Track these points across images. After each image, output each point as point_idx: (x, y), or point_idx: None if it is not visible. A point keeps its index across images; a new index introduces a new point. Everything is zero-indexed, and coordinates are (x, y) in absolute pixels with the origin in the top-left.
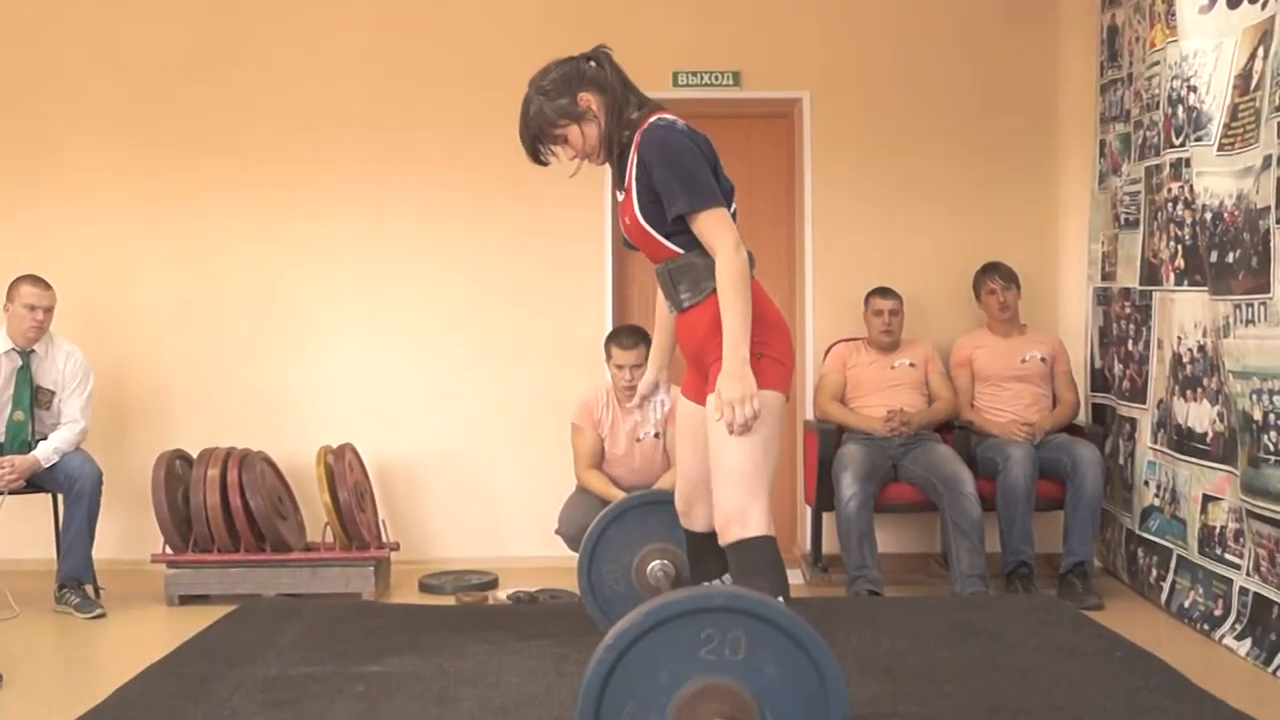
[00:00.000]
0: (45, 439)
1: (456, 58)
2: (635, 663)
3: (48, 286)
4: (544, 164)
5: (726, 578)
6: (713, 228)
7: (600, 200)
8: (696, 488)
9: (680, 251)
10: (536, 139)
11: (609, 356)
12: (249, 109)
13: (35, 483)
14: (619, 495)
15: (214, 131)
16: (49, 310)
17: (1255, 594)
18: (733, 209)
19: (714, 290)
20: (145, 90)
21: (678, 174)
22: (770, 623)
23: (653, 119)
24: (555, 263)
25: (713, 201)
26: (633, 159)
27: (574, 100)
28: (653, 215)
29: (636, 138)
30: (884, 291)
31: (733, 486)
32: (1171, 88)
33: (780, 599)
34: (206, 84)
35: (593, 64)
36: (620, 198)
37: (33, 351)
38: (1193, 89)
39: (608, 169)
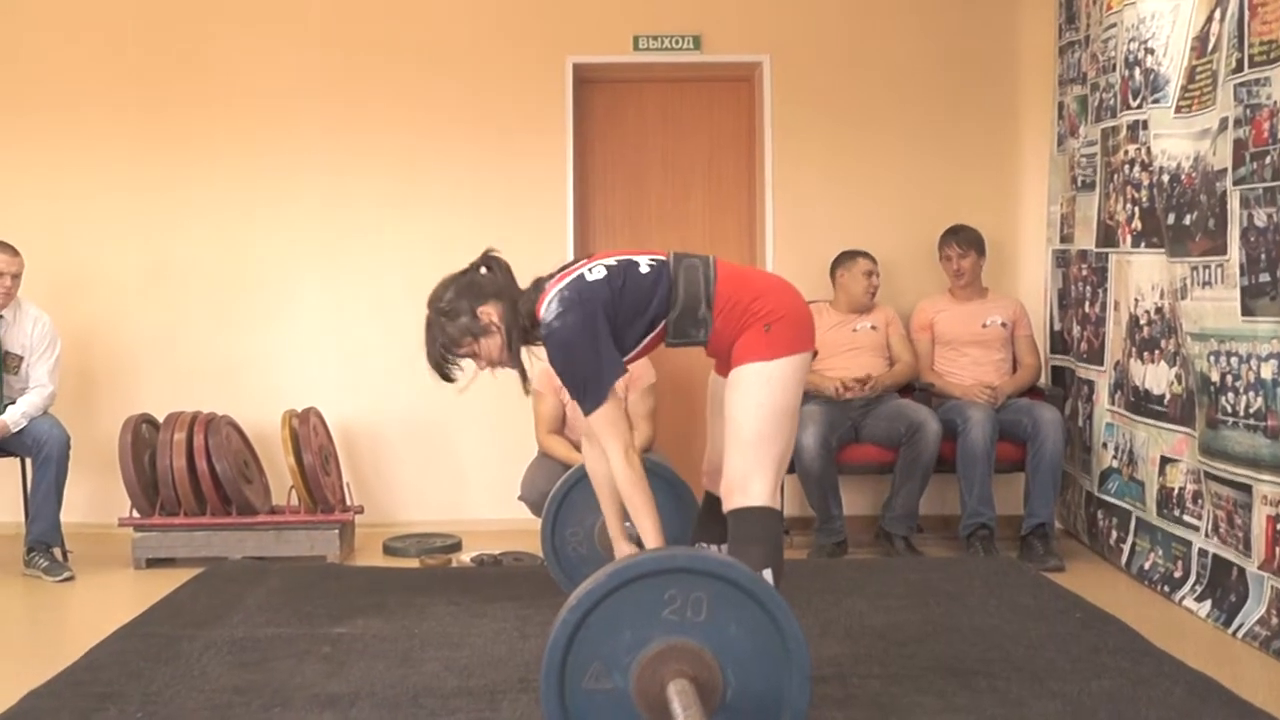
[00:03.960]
0: (13, 404)
1: (417, 25)
2: (599, 623)
3: (15, 252)
4: (452, 380)
5: (724, 548)
6: (605, 430)
7: (562, 167)
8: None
9: (664, 327)
10: (442, 359)
11: None
12: (212, 76)
13: (3, 447)
14: (580, 459)
15: (178, 99)
16: (16, 276)
17: (1214, 555)
18: (654, 315)
19: (714, 313)
20: (107, 57)
21: (573, 380)
22: (732, 583)
23: (545, 305)
24: (518, 229)
25: (601, 402)
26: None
27: (474, 316)
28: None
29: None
30: (866, 255)
31: (739, 455)
32: (1129, 50)
33: (768, 570)
34: (169, 50)
35: (485, 270)
36: None
37: (0, 317)
38: (1150, 51)
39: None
